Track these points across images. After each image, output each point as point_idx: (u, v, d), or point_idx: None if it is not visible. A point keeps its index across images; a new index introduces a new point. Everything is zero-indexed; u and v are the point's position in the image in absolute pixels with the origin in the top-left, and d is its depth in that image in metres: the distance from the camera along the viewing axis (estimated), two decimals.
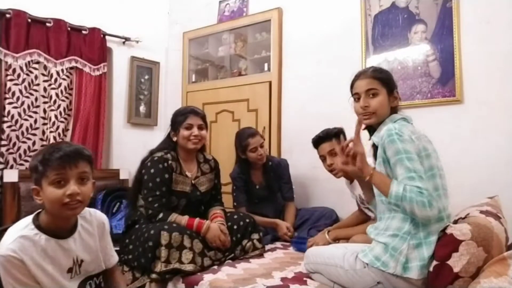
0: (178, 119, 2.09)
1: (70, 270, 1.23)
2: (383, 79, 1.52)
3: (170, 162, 2.03)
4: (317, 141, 2.13)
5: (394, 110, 1.54)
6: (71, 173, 1.17)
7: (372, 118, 1.50)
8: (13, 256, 1.09)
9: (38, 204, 1.23)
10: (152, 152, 2.09)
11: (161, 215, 1.93)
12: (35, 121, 2.72)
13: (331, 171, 2.10)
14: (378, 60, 2.45)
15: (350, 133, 1.60)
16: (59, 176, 1.15)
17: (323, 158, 2.12)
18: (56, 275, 1.18)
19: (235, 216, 2.12)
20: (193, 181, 2.12)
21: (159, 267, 1.73)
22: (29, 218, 1.21)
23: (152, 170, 1.99)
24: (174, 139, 2.11)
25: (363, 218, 2.07)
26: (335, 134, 2.08)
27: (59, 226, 1.22)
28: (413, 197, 1.27)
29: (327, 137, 2.09)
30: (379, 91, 1.50)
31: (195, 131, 2.07)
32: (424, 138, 1.42)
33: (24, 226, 1.18)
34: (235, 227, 2.06)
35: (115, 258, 1.45)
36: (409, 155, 1.32)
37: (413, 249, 1.33)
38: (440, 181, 1.39)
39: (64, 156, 1.16)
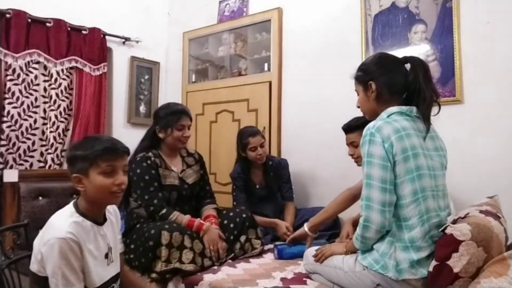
0: (170, 118, 2.09)
1: (106, 256, 1.31)
2: (357, 77, 1.55)
3: (153, 159, 2.06)
4: (344, 130, 2.11)
5: (387, 101, 1.45)
6: (119, 165, 1.27)
7: (365, 115, 1.56)
8: (72, 239, 1.16)
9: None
10: (136, 152, 2.11)
11: (164, 210, 1.96)
12: (35, 121, 2.72)
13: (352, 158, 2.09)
14: None
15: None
16: (110, 166, 1.24)
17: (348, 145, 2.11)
18: (100, 258, 1.27)
19: (231, 213, 2.13)
20: (179, 175, 2.15)
21: (159, 266, 1.73)
22: (70, 207, 1.28)
23: (138, 170, 2.01)
24: (161, 135, 2.11)
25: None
26: (356, 127, 2.02)
27: (96, 214, 1.30)
28: (358, 234, 1.41)
29: (349, 129, 2.07)
30: (358, 89, 1.55)
31: (186, 132, 2.11)
32: (418, 134, 1.37)
33: (70, 213, 1.25)
34: (231, 225, 2.06)
35: (121, 245, 1.52)
36: (371, 159, 1.34)
37: (401, 252, 1.33)
38: (431, 182, 1.35)
39: (115, 149, 1.27)
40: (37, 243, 1.22)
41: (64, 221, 1.21)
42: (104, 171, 1.23)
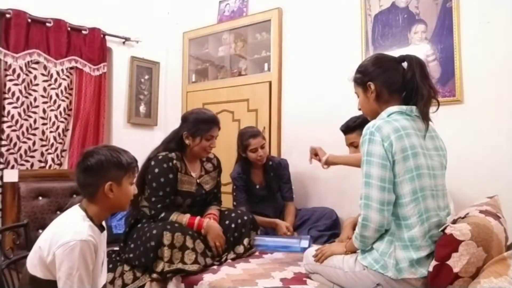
0: (202, 127, 2.04)
1: (102, 263, 1.35)
2: (355, 79, 1.55)
3: (174, 161, 2.02)
4: (343, 131, 2.11)
5: (387, 101, 1.45)
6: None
7: (367, 116, 1.56)
8: (93, 242, 1.21)
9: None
10: (159, 149, 2.07)
11: (163, 214, 1.94)
12: (35, 121, 2.71)
13: None
14: None
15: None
16: (134, 177, 1.38)
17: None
18: (100, 262, 1.30)
19: (233, 214, 2.12)
20: (198, 180, 2.13)
21: (162, 266, 1.73)
22: (80, 211, 1.30)
23: (156, 170, 1.98)
24: (187, 142, 2.06)
25: None
26: (354, 127, 2.04)
27: (101, 221, 1.35)
28: (357, 233, 1.41)
29: (347, 130, 2.08)
30: (357, 91, 1.55)
31: (213, 143, 2.08)
32: (418, 134, 1.37)
33: (82, 217, 1.27)
34: (232, 225, 2.06)
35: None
36: (370, 158, 1.34)
37: (401, 251, 1.33)
38: (430, 182, 1.35)
39: (136, 160, 1.40)
40: (45, 245, 1.20)
41: (82, 224, 1.24)
42: (132, 181, 1.36)
